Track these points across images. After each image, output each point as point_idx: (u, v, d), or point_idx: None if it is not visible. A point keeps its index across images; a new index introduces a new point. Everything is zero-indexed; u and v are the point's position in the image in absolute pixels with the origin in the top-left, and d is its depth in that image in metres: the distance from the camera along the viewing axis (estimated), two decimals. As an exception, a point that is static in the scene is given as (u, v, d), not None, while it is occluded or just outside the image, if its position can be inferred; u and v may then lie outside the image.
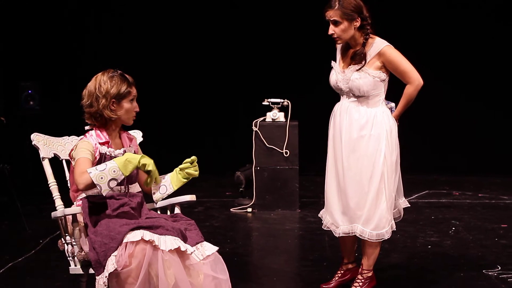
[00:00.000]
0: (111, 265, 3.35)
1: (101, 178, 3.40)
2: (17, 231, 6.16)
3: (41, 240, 5.79)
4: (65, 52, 8.62)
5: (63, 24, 8.61)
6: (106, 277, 3.36)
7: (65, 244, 3.65)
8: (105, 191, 3.42)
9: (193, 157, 3.71)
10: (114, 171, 3.41)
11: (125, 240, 3.38)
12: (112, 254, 3.37)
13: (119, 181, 3.44)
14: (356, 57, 4.29)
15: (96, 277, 3.42)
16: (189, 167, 3.69)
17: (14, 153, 7.59)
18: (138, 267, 3.33)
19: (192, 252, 3.45)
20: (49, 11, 8.55)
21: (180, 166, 3.70)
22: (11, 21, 8.38)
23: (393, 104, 4.42)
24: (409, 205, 4.61)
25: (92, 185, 3.42)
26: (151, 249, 3.36)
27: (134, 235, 3.38)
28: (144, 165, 3.49)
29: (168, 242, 3.39)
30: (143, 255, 3.34)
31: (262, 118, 7.02)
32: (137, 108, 3.68)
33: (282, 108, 7.01)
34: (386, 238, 4.37)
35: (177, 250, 3.40)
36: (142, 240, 3.36)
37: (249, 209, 6.99)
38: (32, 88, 7.62)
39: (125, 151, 3.66)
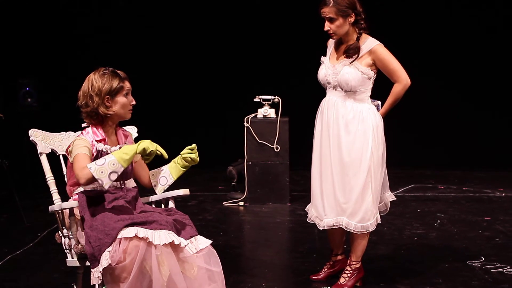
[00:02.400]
0: (105, 260, 3.36)
1: (102, 172, 3.40)
2: (16, 224, 6.14)
3: (38, 233, 5.78)
4: (63, 49, 8.58)
5: (61, 22, 8.57)
6: (100, 272, 3.37)
7: (62, 237, 3.63)
8: (107, 184, 3.42)
9: (194, 145, 3.74)
10: (114, 164, 3.42)
11: (119, 236, 3.37)
12: (107, 250, 3.37)
13: (119, 173, 3.45)
14: (350, 51, 4.30)
15: (91, 270, 3.43)
16: (190, 153, 3.72)
17: (12, 149, 7.56)
18: (132, 263, 3.33)
19: (185, 246, 3.44)
20: (47, 8, 8.51)
21: (182, 153, 3.73)
22: (10, 18, 8.34)
23: (378, 102, 4.43)
24: (395, 198, 4.62)
25: (93, 180, 3.42)
26: (145, 245, 3.35)
27: (128, 232, 3.38)
28: (144, 149, 3.50)
29: (162, 236, 3.39)
30: (137, 252, 3.33)
31: (253, 115, 7.02)
32: (133, 101, 3.68)
33: (273, 105, 7.01)
34: (371, 230, 4.38)
35: (171, 244, 3.40)
36: (136, 236, 3.35)
37: (241, 203, 6.99)
38: (30, 85, 7.59)
39: (120, 148, 3.66)
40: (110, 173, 3.41)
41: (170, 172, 3.77)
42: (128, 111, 3.67)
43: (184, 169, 3.76)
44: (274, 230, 6.10)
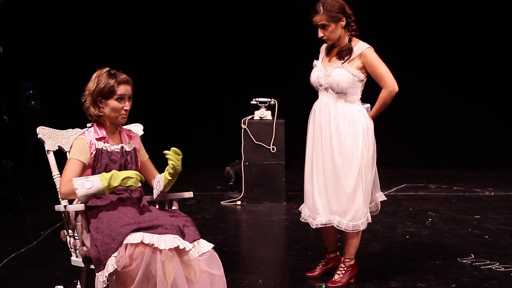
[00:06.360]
0: (111, 265, 3.32)
1: (86, 195, 3.44)
2: (19, 223, 6.14)
3: (42, 232, 5.77)
4: (65, 52, 8.57)
5: (64, 24, 8.56)
6: (106, 276, 3.33)
7: (68, 236, 3.61)
8: (80, 200, 3.47)
9: (172, 150, 3.61)
10: (98, 192, 3.44)
11: (125, 242, 3.33)
12: (113, 255, 3.33)
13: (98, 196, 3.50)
14: (343, 52, 4.31)
15: (96, 274, 3.39)
16: (170, 155, 3.59)
17: (16, 150, 7.56)
18: (137, 268, 3.29)
19: (190, 249, 3.41)
20: (50, 11, 8.50)
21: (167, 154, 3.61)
22: (13, 21, 8.32)
23: (368, 105, 4.44)
24: (386, 198, 4.63)
25: (72, 196, 3.47)
26: (150, 251, 3.32)
27: (135, 237, 3.34)
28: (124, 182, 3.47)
29: (168, 241, 3.36)
30: (142, 257, 3.30)
31: (250, 116, 7.03)
32: (127, 107, 3.59)
33: (269, 107, 7.02)
34: (362, 229, 4.39)
35: (176, 248, 3.37)
36: (142, 243, 3.32)
37: (238, 202, 6.99)
38: (33, 88, 7.59)
39: (122, 147, 3.63)
40: (91, 196, 3.45)
41: (162, 179, 3.71)
42: (120, 116, 3.59)
43: (169, 178, 3.63)
44: (270, 228, 6.11)
